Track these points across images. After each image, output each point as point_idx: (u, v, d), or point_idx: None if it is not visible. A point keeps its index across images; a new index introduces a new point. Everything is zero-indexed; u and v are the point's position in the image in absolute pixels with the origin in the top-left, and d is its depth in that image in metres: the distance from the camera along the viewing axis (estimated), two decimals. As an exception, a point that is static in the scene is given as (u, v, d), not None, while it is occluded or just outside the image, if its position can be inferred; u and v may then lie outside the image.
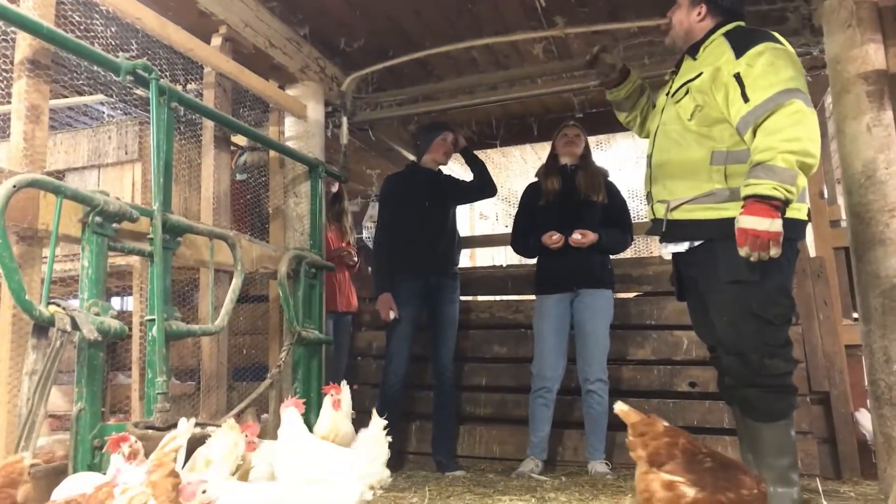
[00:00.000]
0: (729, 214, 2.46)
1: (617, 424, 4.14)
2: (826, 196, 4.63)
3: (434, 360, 4.31)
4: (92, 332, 2.12)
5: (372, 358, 5.12)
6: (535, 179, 4.26)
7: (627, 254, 4.48)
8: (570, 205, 4.00)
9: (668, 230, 2.65)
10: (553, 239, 3.92)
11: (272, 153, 3.97)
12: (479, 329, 4.79)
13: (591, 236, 3.89)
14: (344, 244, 4.79)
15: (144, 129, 3.42)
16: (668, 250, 2.72)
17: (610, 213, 4.04)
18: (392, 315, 4.07)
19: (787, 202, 2.29)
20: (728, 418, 3.90)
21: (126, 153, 3.46)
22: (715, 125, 2.56)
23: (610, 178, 4.18)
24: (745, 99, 2.42)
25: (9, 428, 2.13)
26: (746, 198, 2.32)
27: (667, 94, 2.80)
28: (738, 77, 2.46)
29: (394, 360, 4.14)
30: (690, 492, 1.84)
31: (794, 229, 2.47)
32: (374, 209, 6.46)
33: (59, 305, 2.14)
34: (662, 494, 1.86)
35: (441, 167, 4.43)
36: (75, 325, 2.12)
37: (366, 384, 5.01)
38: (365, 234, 6.37)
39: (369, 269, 5.79)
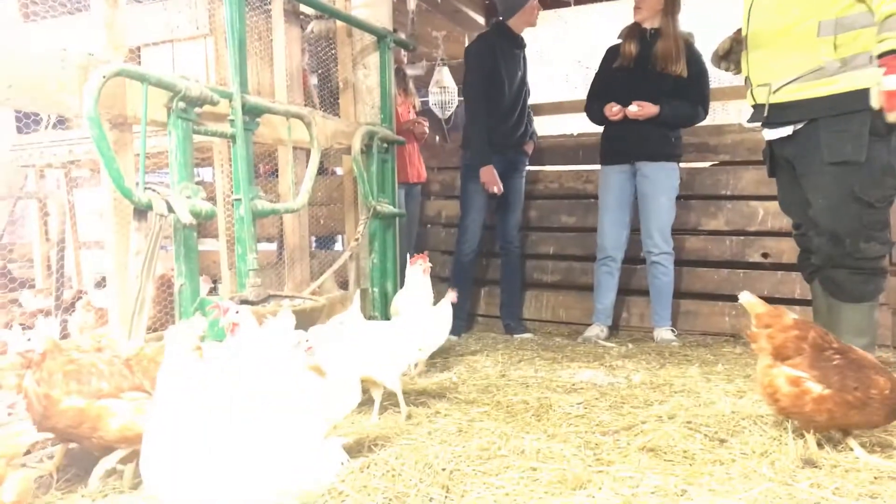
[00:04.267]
0: (840, 89, 2.32)
1: (682, 293, 4.24)
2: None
3: (500, 230, 4.39)
4: (187, 216, 2.25)
5: (441, 226, 5.26)
6: (619, 41, 4.06)
7: (705, 121, 4.30)
8: (642, 73, 3.84)
9: (771, 114, 2.52)
10: (613, 111, 3.85)
11: (339, 23, 3.88)
12: (547, 199, 4.81)
13: (651, 109, 3.77)
14: (412, 116, 4.78)
15: (213, 2, 3.38)
16: (770, 136, 2.60)
17: (683, 84, 3.83)
18: (501, 188, 4.09)
19: None
20: (800, 289, 3.89)
21: (197, 28, 3.45)
22: None
23: (694, 44, 3.93)
24: None
25: (121, 304, 2.33)
26: (884, 55, 2.16)
27: None
28: None
29: (469, 230, 4.23)
30: (816, 388, 1.84)
31: None
32: (440, 74, 6.31)
33: (154, 190, 2.26)
34: (788, 390, 1.87)
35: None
36: (171, 209, 2.26)
37: (435, 251, 5.18)
38: (431, 99, 6.26)
39: (436, 137, 5.80)
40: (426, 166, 5.07)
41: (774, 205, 3.92)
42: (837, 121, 2.31)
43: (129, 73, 2.21)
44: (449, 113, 6.13)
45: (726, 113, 6.37)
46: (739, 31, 2.80)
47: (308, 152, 3.16)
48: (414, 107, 5.05)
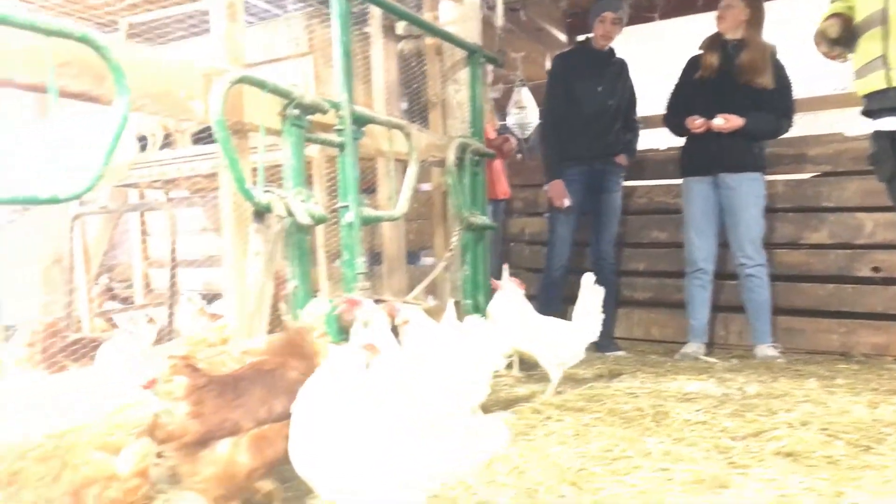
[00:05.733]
0: None
1: (783, 309, 4.05)
2: None
3: (594, 247, 4.31)
4: (305, 217, 2.29)
5: (525, 244, 5.22)
6: (700, 52, 3.99)
7: (800, 132, 4.15)
8: (726, 85, 3.77)
9: None
10: (696, 124, 3.77)
11: (428, 41, 3.95)
12: (637, 214, 4.72)
13: (737, 121, 3.68)
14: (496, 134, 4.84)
15: (311, 21, 3.49)
16: None
17: (768, 96, 3.72)
18: (567, 202, 4.06)
19: None
20: (917, 305, 3.67)
21: (297, 46, 3.56)
22: None
23: (777, 56, 3.82)
24: None
25: (240, 301, 2.38)
26: None
27: None
28: None
29: (557, 246, 4.19)
30: None
31: None
32: (519, 94, 6.34)
33: (273, 192, 2.32)
34: None
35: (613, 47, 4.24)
36: (289, 212, 2.31)
37: (519, 268, 5.13)
38: (510, 120, 6.29)
39: (517, 155, 5.80)
40: (509, 184, 5.08)
41: (885, 216, 3.76)
42: None
43: (250, 79, 2.29)
44: (528, 133, 6.15)
45: (818, 123, 6.15)
46: (840, 14, 2.66)
47: (403, 166, 3.20)
48: (493, 125, 5.13)
